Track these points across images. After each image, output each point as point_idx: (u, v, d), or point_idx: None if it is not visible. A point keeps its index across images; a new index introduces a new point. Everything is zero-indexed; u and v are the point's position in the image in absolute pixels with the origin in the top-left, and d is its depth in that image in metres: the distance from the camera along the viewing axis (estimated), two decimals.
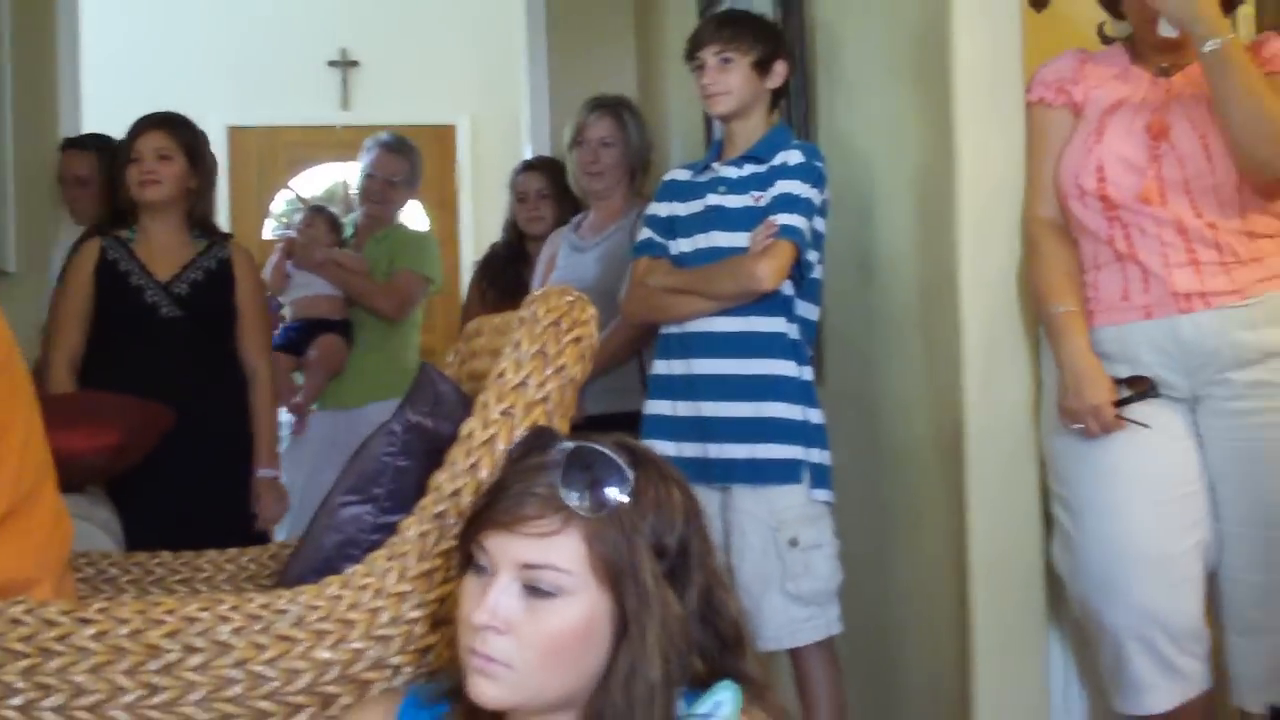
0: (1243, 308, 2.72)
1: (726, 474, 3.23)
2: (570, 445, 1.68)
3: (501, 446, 2.01)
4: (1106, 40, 3.22)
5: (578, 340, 2.11)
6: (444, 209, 9.00)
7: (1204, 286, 2.71)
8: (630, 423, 3.38)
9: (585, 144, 4.39)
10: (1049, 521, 3.00)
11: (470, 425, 2.08)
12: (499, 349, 2.17)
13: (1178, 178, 2.76)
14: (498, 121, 8.45)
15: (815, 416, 3.24)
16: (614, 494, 1.64)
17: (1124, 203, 2.77)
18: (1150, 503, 2.75)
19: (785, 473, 3.17)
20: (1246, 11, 3.58)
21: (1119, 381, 2.76)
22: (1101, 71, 2.92)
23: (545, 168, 5.04)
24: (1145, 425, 2.74)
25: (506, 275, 5.02)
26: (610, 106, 4.45)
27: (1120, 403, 2.75)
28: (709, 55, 3.36)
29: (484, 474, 2.01)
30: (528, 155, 5.97)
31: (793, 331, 3.26)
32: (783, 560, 3.15)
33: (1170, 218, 2.75)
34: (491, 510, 1.67)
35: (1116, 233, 2.79)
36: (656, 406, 3.38)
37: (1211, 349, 2.73)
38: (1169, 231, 2.75)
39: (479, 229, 8.49)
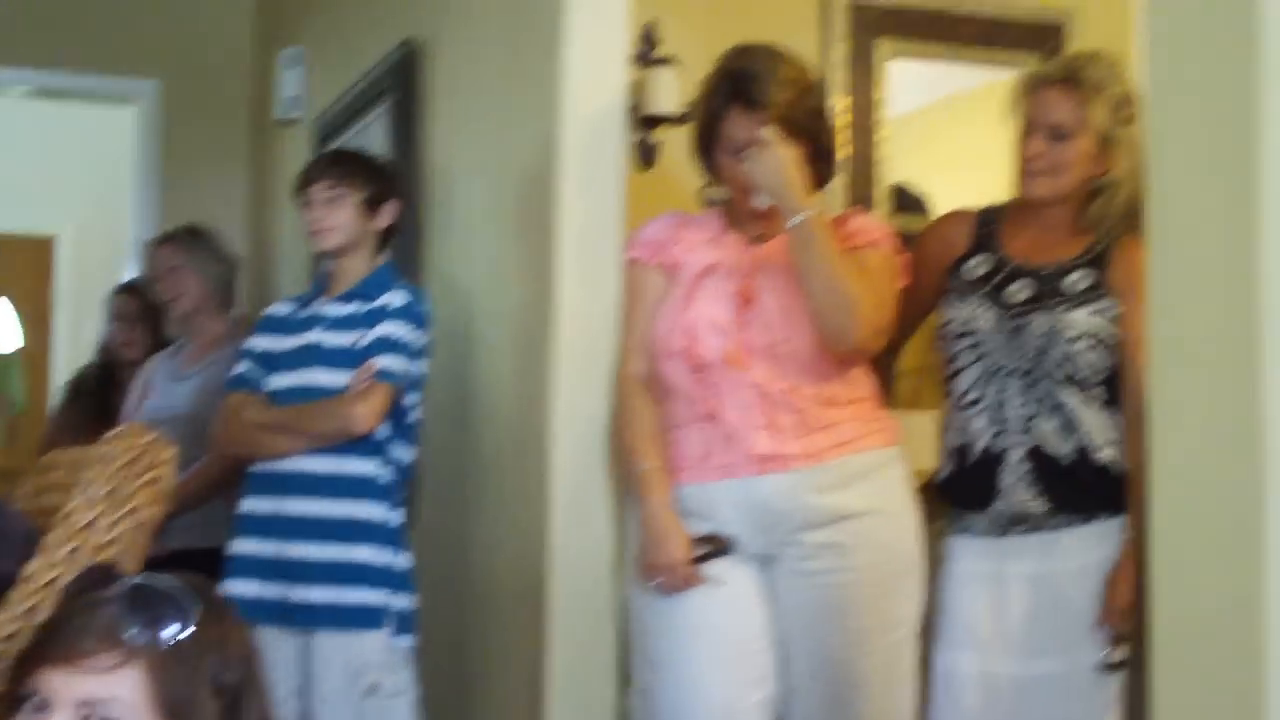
0: (816, 472, 2.83)
1: (308, 618, 3.16)
2: (131, 581, 1.64)
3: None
4: (710, 203, 3.33)
5: (153, 482, 2.06)
6: (38, 322, 8.62)
7: (781, 449, 2.81)
8: (215, 559, 3.28)
9: (157, 276, 4.35)
10: (627, 672, 3.03)
11: (33, 566, 1.99)
12: (73, 484, 2.09)
13: (762, 343, 2.86)
14: (104, 237, 8.17)
15: (403, 561, 3.22)
16: (174, 630, 1.59)
17: (711, 365, 2.86)
18: (718, 659, 2.81)
19: (368, 619, 3.13)
20: (841, 182, 3.79)
21: (696, 540, 2.84)
22: (697, 235, 3.02)
23: (145, 291, 4.89)
24: (721, 581, 2.82)
25: (96, 400, 4.84)
26: (174, 237, 4.41)
27: (697, 559, 2.82)
28: (317, 191, 3.35)
29: (43, 617, 1.91)
30: (131, 276, 5.79)
31: (386, 474, 3.24)
32: (361, 707, 3.10)
33: (753, 381, 2.85)
34: (49, 646, 1.60)
35: (703, 394, 2.88)
36: (242, 545, 3.29)
37: (785, 510, 2.83)
38: (751, 395, 2.85)
39: (76, 345, 8.15)
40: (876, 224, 3.02)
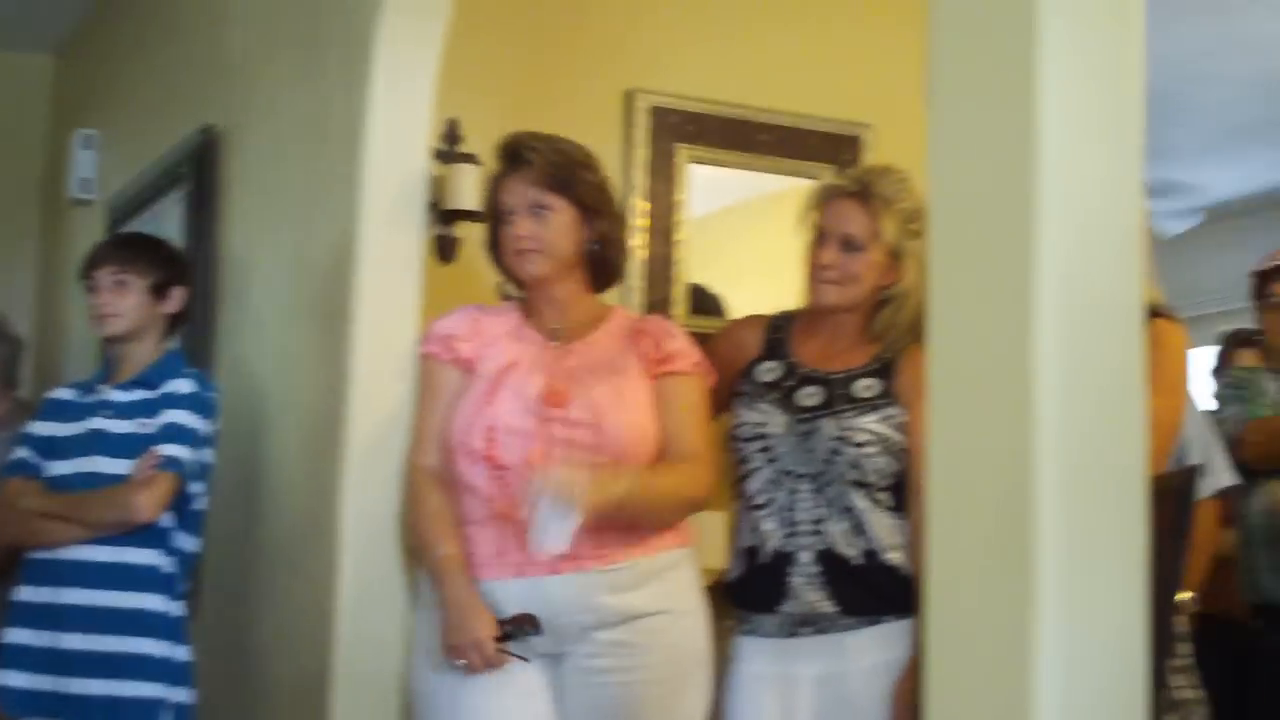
0: (608, 572, 2.83)
1: (82, 712, 3.07)
2: None
3: None
4: (506, 298, 3.34)
5: None
6: None
7: (575, 550, 2.81)
8: None
9: None
10: None
11: None
12: None
13: (564, 445, 2.86)
14: None
15: (182, 654, 3.14)
16: None
17: (510, 465, 2.85)
18: None
19: (144, 713, 3.05)
20: (640, 283, 3.82)
21: (502, 621, 2.80)
22: (496, 329, 3.02)
23: None
24: (525, 659, 2.79)
25: None
26: None
27: (502, 638, 2.79)
28: (103, 275, 3.29)
29: None
30: None
31: (168, 565, 3.16)
32: None
33: None
34: None
35: (500, 493, 2.86)
36: (16, 635, 3.19)
37: (577, 610, 2.82)
38: None
39: None
40: (691, 348, 3.03)
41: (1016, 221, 1.84)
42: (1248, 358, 4.91)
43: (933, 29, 1.99)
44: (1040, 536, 1.78)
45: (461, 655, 2.78)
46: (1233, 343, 5.06)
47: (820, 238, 2.99)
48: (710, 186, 4.09)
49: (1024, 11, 1.85)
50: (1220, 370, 4.35)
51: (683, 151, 4.02)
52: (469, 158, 3.63)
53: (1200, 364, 5.51)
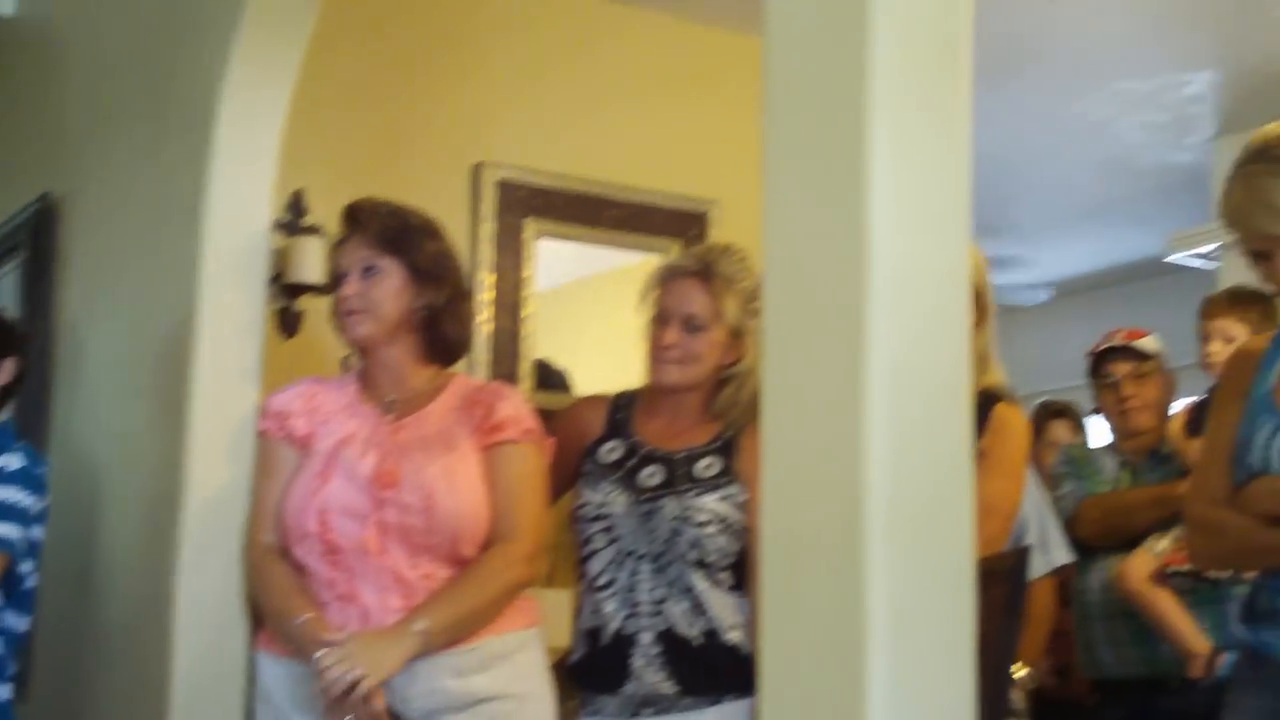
0: (453, 655, 2.78)
1: None
2: None
3: None
4: (347, 370, 3.30)
5: None
6: None
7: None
8: None
9: None
10: None
11: None
12: None
13: (399, 528, 2.81)
14: None
15: None
16: None
17: (346, 549, 2.80)
18: None
19: None
20: (486, 357, 3.79)
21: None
22: (332, 403, 2.97)
23: None
24: None
25: None
26: None
27: None
28: None
29: None
30: None
31: None
32: None
33: (388, 566, 2.80)
34: None
35: (339, 576, 2.81)
36: None
37: (421, 694, 2.77)
38: (387, 578, 2.79)
39: None
40: (524, 413, 2.98)
41: (848, 306, 1.86)
42: (1061, 429, 5.03)
43: (767, 113, 2.02)
44: (870, 616, 1.80)
45: (346, 712, 2.71)
46: (1045, 414, 5.16)
47: (662, 317, 3.00)
48: (558, 261, 4.11)
49: (855, 98, 1.88)
50: (1036, 442, 4.43)
51: (531, 225, 4.04)
52: (313, 230, 3.60)
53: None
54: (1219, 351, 3.70)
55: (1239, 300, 3.89)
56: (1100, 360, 4.05)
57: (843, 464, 1.84)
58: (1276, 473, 2.46)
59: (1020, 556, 2.93)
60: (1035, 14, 4.76)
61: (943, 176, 1.94)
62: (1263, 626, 2.49)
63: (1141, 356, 3.99)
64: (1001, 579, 2.62)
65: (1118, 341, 4.04)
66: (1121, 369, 3.99)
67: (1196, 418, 3.64)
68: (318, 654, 2.63)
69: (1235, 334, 3.72)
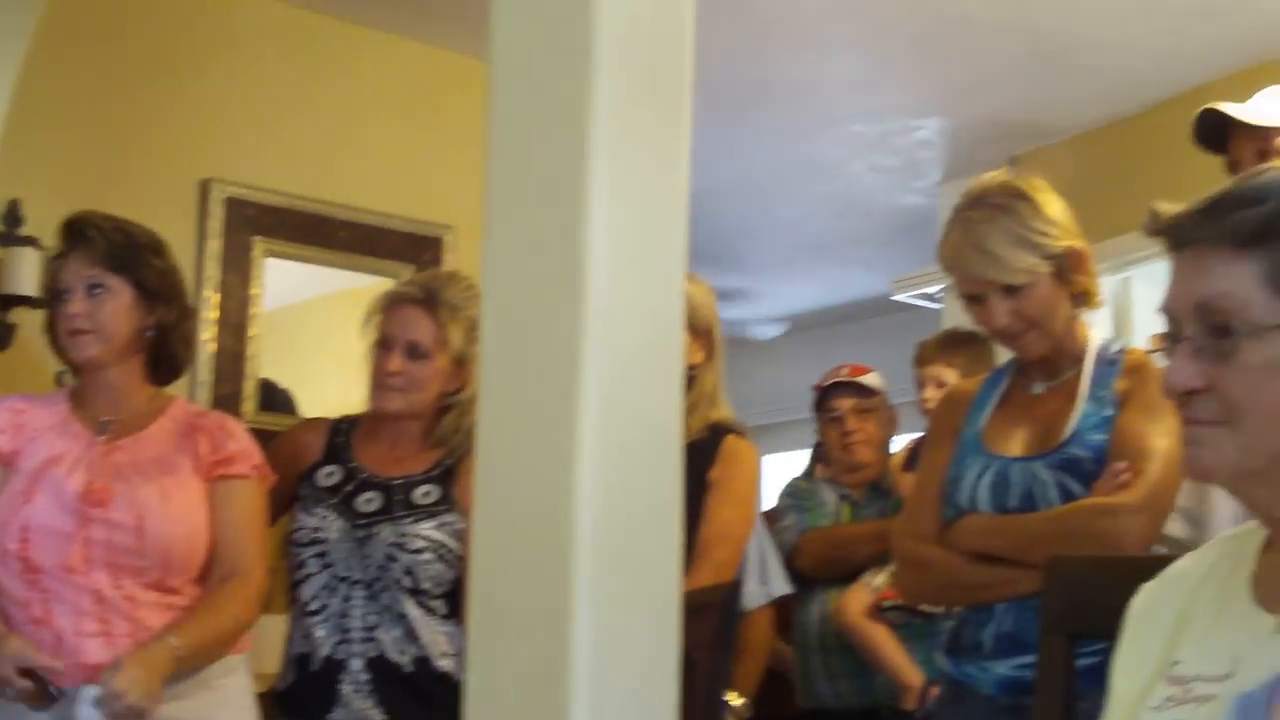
0: None
1: None
2: None
3: None
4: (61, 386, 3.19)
5: None
6: None
7: (117, 657, 2.67)
8: None
9: None
10: None
11: None
12: None
13: (104, 548, 2.72)
14: None
15: None
16: None
17: (46, 569, 2.69)
18: None
19: None
20: (209, 376, 3.70)
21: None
22: (40, 421, 2.85)
23: None
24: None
25: None
26: None
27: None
28: None
29: None
30: None
31: None
32: None
33: (90, 586, 2.70)
34: None
35: (35, 597, 2.70)
36: None
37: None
38: (86, 600, 2.69)
39: None
40: (253, 448, 2.91)
41: (562, 339, 1.86)
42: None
43: (489, 141, 2.00)
44: (575, 645, 1.79)
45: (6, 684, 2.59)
46: (819, 453, 5.25)
47: (385, 343, 2.97)
48: (287, 281, 4.03)
49: (575, 131, 1.88)
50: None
51: (259, 244, 3.96)
52: (30, 241, 3.47)
53: (777, 471, 5.73)
54: (932, 397, 3.81)
55: (948, 345, 4.03)
56: (825, 395, 4.14)
57: (552, 495, 1.84)
58: (982, 511, 2.54)
59: (731, 589, 2.98)
60: (773, 55, 4.86)
61: (661, 214, 1.95)
62: (965, 660, 2.56)
63: (865, 392, 4.08)
64: (713, 610, 2.66)
65: (843, 377, 4.13)
66: (845, 404, 4.08)
67: (915, 455, 3.74)
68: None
69: (947, 378, 3.84)
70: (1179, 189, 1.50)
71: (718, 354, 3.30)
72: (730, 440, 3.20)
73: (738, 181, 6.06)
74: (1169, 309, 1.44)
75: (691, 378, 3.15)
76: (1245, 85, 3.63)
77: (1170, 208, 1.45)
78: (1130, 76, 5.01)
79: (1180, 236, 1.43)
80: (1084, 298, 2.61)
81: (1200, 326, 1.39)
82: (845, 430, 4.06)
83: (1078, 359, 2.60)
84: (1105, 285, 3.45)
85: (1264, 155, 2.86)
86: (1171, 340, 1.43)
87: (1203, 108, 2.95)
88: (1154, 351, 1.31)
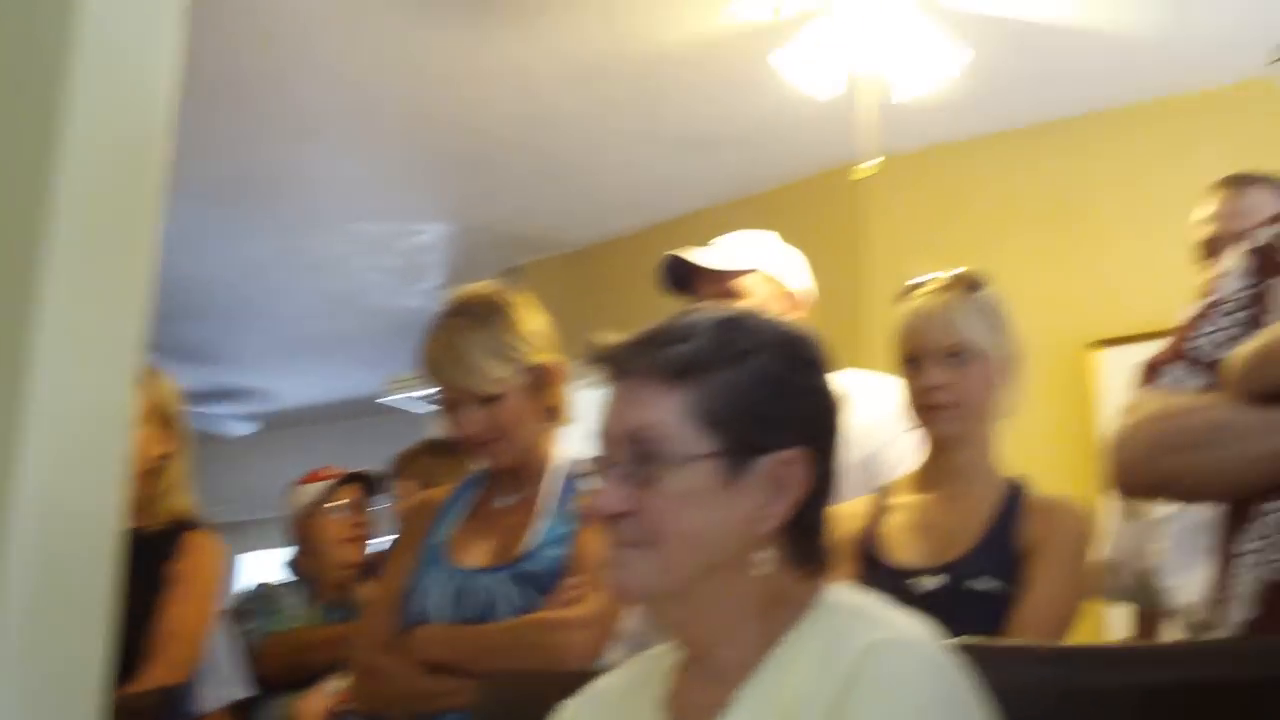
0: None
1: None
2: None
3: None
4: None
5: None
6: None
7: None
8: None
9: None
10: None
11: None
12: None
13: None
14: None
15: None
16: None
17: None
18: None
19: None
20: None
21: None
22: None
23: None
24: None
25: None
26: None
27: None
28: None
29: None
30: None
31: None
32: None
33: None
34: None
35: None
36: None
37: None
38: None
39: None
40: None
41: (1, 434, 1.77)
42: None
43: None
44: None
45: None
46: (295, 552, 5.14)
47: None
48: None
49: (30, 231, 1.81)
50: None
51: None
52: None
53: (247, 570, 5.58)
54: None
55: (425, 454, 4.05)
56: (318, 492, 4.08)
57: None
58: (441, 621, 2.53)
59: (164, 694, 2.88)
60: (276, 149, 4.80)
61: (117, 311, 1.90)
62: None
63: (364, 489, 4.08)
64: (145, 715, 2.57)
65: (328, 474, 4.09)
66: (344, 497, 4.05)
67: (376, 563, 3.72)
68: None
69: (421, 487, 3.85)
70: (666, 310, 1.55)
71: (185, 446, 3.22)
72: (193, 534, 3.16)
73: (234, 274, 5.95)
74: (604, 435, 1.48)
75: (157, 469, 3.09)
76: (733, 214, 3.83)
77: (610, 338, 1.50)
78: (628, 199, 5.22)
79: (617, 367, 1.48)
80: (554, 412, 2.66)
81: (630, 453, 1.44)
82: (339, 527, 4.03)
83: (544, 473, 2.64)
84: (588, 401, 3.53)
85: (724, 296, 2.97)
86: (604, 464, 1.47)
87: (666, 254, 3.04)
88: (589, 474, 1.36)
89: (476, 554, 2.61)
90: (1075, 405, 4.38)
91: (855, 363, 2.92)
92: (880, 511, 2.47)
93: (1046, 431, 3.87)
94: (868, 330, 2.44)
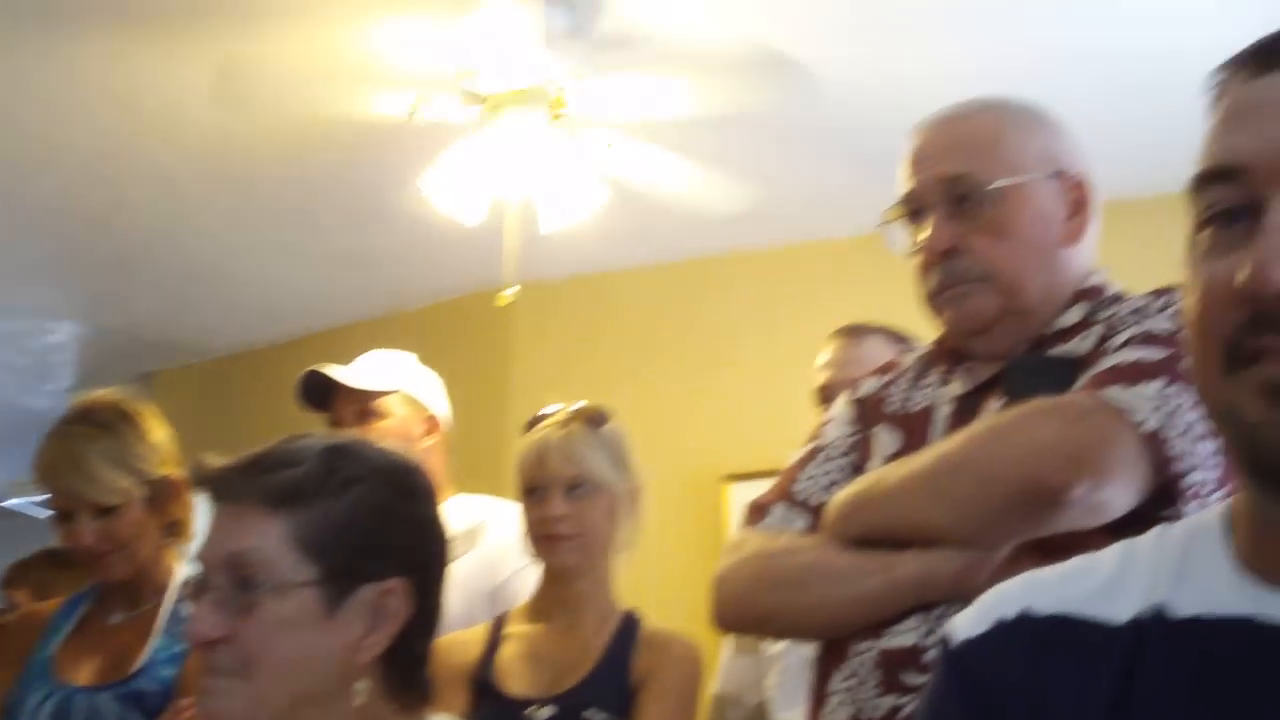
0: None
1: None
2: None
3: None
4: None
5: None
6: None
7: None
8: None
9: None
10: None
11: None
12: None
13: None
14: None
15: None
16: None
17: None
18: None
19: None
20: None
21: None
22: None
23: None
24: None
25: None
26: None
27: None
28: None
29: None
30: None
31: None
32: None
33: None
34: None
35: None
36: None
37: None
38: None
39: None
40: None
41: None
42: None
43: None
44: None
45: None
46: None
47: None
48: None
49: None
50: None
51: None
52: None
53: None
54: None
55: (40, 564, 3.89)
56: None
57: None
58: None
59: None
60: None
61: None
62: None
63: None
64: None
65: None
66: None
67: None
68: None
69: (19, 600, 3.69)
70: (304, 426, 1.53)
71: None
72: None
73: None
74: (203, 559, 1.45)
75: None
76: (380, 331, 3.82)
77: (216, 460, 1.47)
78: (270, 309, 5.14)
79: (221, 491, 1.46)
80: (176, 527, 2.60)
81: (228, 578, 1.41)
82: None
83: (161, 590, 2.57)
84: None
85: (364, 415, 2.96)
86: (202, 589, 1.44)
87: (307, 370, 3.00)
88: (184, 599, 1.32)
89: (83, 671, 2.52)
90: (709, 537, 4.47)
91: (495, 489, 2.93)
92: (497, 640, 2.48)
93: (682, 562, 3.94)
94: (510, 456, 2.48)
